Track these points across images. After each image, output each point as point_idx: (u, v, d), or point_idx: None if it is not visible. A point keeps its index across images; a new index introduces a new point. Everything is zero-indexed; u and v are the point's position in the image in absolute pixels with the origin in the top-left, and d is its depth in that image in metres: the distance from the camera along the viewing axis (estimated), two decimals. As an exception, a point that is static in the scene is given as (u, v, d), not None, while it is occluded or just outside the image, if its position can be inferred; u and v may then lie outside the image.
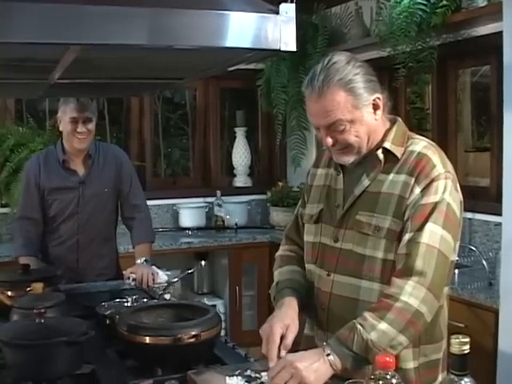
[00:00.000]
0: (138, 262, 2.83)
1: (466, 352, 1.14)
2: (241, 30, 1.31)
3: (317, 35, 4.23)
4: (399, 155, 1.67)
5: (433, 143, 1.72)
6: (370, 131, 1.67)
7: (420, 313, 1.53)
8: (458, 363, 1.15)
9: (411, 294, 1.53)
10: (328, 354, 1.50)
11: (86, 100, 2.90)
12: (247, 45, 1.33)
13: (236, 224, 4.67)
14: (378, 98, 1.65)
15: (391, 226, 1.63)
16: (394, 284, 1.56)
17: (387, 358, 1.20)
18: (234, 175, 5.04)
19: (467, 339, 1.15)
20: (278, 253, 1.96)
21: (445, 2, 3.13)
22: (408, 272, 1.56)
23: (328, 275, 1.74)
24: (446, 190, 1.61)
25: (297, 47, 1.35)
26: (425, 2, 3.20)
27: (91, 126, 2.92)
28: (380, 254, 1.64)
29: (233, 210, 4.74)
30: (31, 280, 2.15)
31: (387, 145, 1.68)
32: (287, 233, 1.99)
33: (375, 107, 1.66)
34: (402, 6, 3.29)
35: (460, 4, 3.17)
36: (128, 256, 3.12)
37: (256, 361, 1.77)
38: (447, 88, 3.65)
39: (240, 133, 4.99)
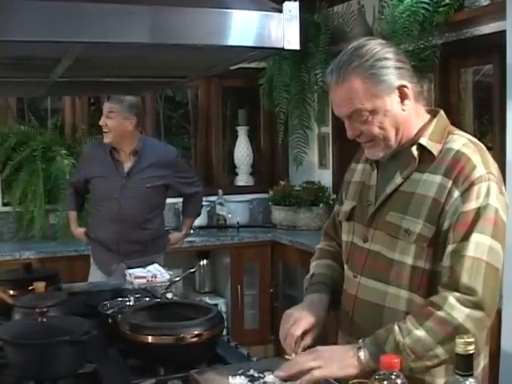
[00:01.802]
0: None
1: (471, 352, 1.13)
2: (244, 28, 1.31)
3: (319, 34, 4.22)
4: (436, 153, 1.52)
5: (475, 140, 1.57)
6: (397, 123, 1.52)
7: (465, 328, 1.38)
8: (462, 363, 1.14)
9: (454, 306, 1.40)
10: (359, 348, 1.41)
11: (121, 95, 3.05)
12: (250, 43, 1.33)
13: (238, 223, 4.68)
14: (405, 87, 1.50)
15: (422, 231, 1.49)
16: (440, 294, 1.44)
17: (392, 359, 1.19)
18: (236, 174, 5.04)
19: (472, 339, 1.14)
20: (318, 246, 1.88)
21: (447, 1, 3.11)
22: (453, 286, 1.42)
23: (355, 277, 1.63)
24: (489, 194, 1.46)
25: (299, 46, 1.34)
26: (427, 1, 3.19)
27: (112, 121, 3.07)
28: (409, 260, 1.51)
29: (235, 209, 4.75)
30: (33, 279, 2.15)
31: (423, 141, 1.53)
32: (325, 229, 1.91)
33: (402, 96, 1.50)
34: (404, 5, 3.28)
35: (463, 3, 3.15)
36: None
37: (258, 360, 1.76)
38: (449, 87, 3.64)
39: (242, 131, 4.98)
